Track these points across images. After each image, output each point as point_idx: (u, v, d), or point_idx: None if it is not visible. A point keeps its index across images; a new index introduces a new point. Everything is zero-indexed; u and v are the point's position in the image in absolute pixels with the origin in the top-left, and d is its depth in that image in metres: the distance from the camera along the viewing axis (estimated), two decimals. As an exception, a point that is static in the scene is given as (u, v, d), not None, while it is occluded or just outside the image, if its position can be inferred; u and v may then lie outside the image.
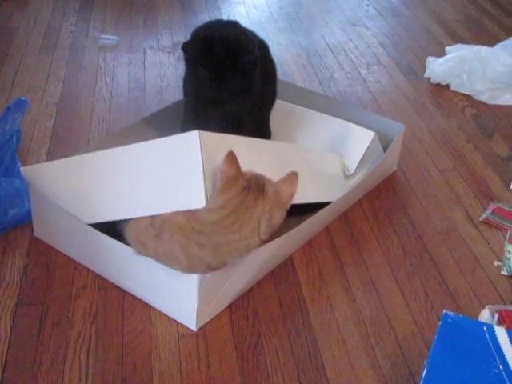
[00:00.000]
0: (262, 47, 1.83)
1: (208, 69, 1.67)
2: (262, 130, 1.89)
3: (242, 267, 1.44)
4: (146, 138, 1.83)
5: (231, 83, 1.68)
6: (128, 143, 1.77)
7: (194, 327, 1.44)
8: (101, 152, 1.52)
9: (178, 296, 1.43)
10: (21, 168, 1.62)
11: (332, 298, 1.55)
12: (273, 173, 1.48)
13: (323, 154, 1.82)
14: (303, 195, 1.59)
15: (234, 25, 1.77)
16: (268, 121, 1.92)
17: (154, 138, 1.83)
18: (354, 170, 1.83)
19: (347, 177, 1.82)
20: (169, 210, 1.37)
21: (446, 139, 2.18)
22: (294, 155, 1.69)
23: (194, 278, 1.35)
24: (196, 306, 1.39)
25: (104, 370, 1.35)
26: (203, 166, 1.35)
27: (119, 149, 1.50)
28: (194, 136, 1.37)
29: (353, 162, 1.83)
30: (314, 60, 2.65)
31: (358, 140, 1.86)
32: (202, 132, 1.37)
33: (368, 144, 1.84)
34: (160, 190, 1.42)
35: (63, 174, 1.57)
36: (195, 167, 1.36)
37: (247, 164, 1.44)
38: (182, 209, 1.36)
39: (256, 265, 1.51)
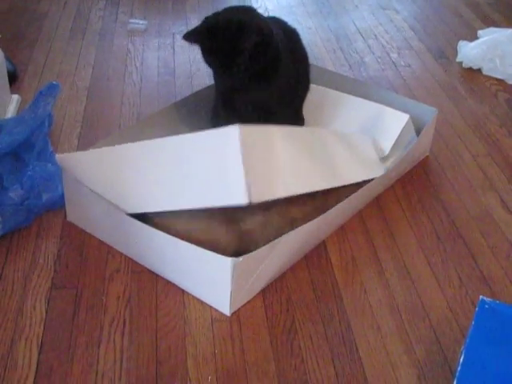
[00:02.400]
0: (291, 35, 1.82)
1: (211, 56, 1.66)
2: (294, 119, 1.88)
3: (274, 252, 1.44)
4: (176, 124, 1.86)
5: (237, 68, 1.64)
6: (159, 129, 1.81)
7: (227, 312, 1.44)
8: (140, 143, 1.52)
9: (212, 280, 1.43)
10: (56, 155, 1.62)
11: (365, 283, 1.54)
12: (311, 159, 1.49)
13: (358, 136, 1.80)
14: (342, 177, 1.61)
15: (243, 11, 1.74)
16: (301, 109, 1.91)
17: (184, 123, 1.86)
18: (387, 153, 1.81)
19: (381, 159, 1.81)
20: (210, 205, 1.38)
21: (478, 124, 2.15)
22: (330, 140, 1.67)
23: (227, 262, 1.35)
24: (230, 290, 1.39)
25: (138, 354, 1.36)
26: (244, 161, 1.34)
27: (158, 140, 1.49)
28: (234, 131, 1.36)
29: (387, 144, 1.82)
30: (344, 44, 2.63)
31: (392, 123, 1.85)
32: (241, 126, 1.36)
33: (402, 126, 1.83)
34: (200, 184, 1.42)
35: (100, 163, 1.57)
36: (236, 163, 1.35)
37: (286, 154, 1.46)
38: (223, 204, 1.37)
39: (289, 249, 1.50)
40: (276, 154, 1.46)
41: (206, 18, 1.68)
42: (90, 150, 1.64)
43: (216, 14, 1.69)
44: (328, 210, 1.55)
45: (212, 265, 1.40)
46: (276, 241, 1.43)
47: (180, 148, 1.47)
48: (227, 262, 1.36)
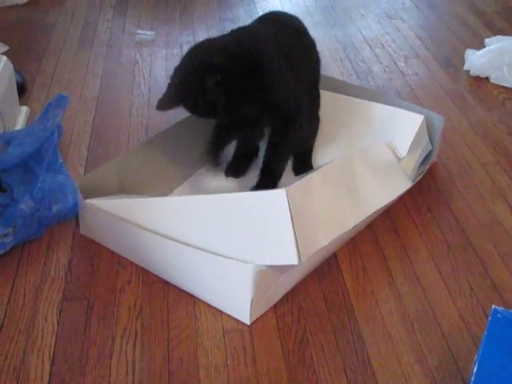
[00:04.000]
0: (290, 29, 1.81)
1: (194, 112, 1.66)
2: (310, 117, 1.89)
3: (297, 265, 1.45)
4: (189, 140, 1.86)
5: (221, 110, 1.61)
6: (171, 145, 1.82)
7: (247, 321, 1.44)
8: (182, 198, 1.59)
9: (232, 289, 1.44)
10: (86, 201, 1.61)
11: (376, 292, 1.54)
12: (345, 197, 1.57)
13: (375, 147, 1.81)
14: (373, 205, 1.64)
15: (200, 53, 1.66)
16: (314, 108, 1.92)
17: (197, 140, 1.85)
18: (405, 154, 1.82)
19: (399, 160, 1.81)
20: (261, 263, 1.39)
21: (486, 132, 2.15)
22: (358, 168, 1.66)
23: (249, 269, 1.37)
24: (251, 298, 1.40)
25: (150, 365, 1.36)
26: (292, 224, 1.36)
27: (203, 197, 1.54)
28: (281, 194, 1.38)
29: (403, 146, 1.82)
30: (351, 53, 2.64)
31: (407, 124, 1.85)
32: (288, 189, 1.38)
33: (418, 127, 1.84)
34: (247, 244, 1.43)
35: (136, 214, 1.56)
36: (285, 226, 1.37)
37: (325, 199, 1.51)
38: (275, 263, 1.40)
39: (308, 263, 1.51)
40: (316, 202, 1.48)
41: (171, 75, 1.67)
42: (124, 199, 1.64)
43: (177, 67, 1.67)
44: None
45: (233, 272, 1.41)
46: None
47: (226, 207, 1.48)
48: (250, 268, 1.37)
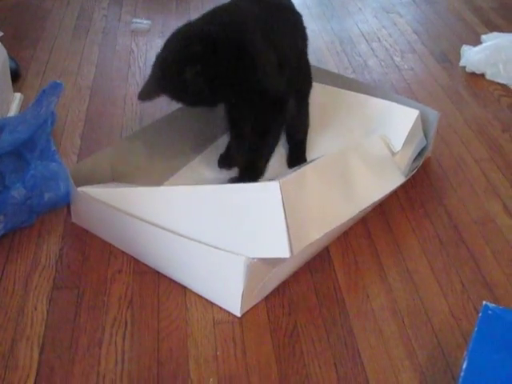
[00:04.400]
0: (274, 9, 1.76)
1: (179, 100, 1.64)
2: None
3: (287, 260, 1.45)
4: (182, 129, 1.85)
5: (203, 94, 1.59)
6: (166, 135, 1.80)
7: (238, 313, 1.44)
8: (174, 188, 1.57)
9: (224, 280, 1.44)
10: (79, 189, 1.60)
11: (368, 287, 1.54)
12: (339, 190, 1.56)
13: (369, 141, 1.80)
14: (367, 199, 1.64)
15: (181, 37, 1.62)
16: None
17: (191, 129, 1.85)
18: (400, 148, 1.81)
19: (393, 154, 1.81)
20: (252, 256, 1.38)
21: (481, 128, 2.15)
22: (352, 162, 1.66)
23: (240, 261, 1.36)
24: (242, 290, 1.39)
25: (140, 355, 1.35)
26: (286, 216, 1.36)
27: (196, 188, 1.52)
28: (274, 187, 1.37)
29: (397, 140, 1.82)
30: (348, 47, 2.63)
31: (402, 119, 1.85)
32: (281, 181, 1.37)
33: (413, 122, 1.83)
34: (239, 235, 1.42)
35: (128, 202, 1.55)
36: (277, 219, 1.37)
37: (318, 193, 1.51)
38: (266, 256, 1.39)
39: (300, 256, 1.51)
40: (309, 195, 1.48)
41: (153, 63, 1.64)
42: (118, 188, 1.63)
43: (159, 54, 1.63)
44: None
45: (224, 264, 1.41)
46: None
47: (218, 198, 1.47)
48: (241, 260, 1.36)
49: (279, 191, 1.36)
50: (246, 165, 1.71)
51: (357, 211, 1.59)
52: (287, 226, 1.35)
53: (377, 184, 1.69)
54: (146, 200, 1.54)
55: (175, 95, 1.60)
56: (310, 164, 1.57)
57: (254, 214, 1.41)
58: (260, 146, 1.71)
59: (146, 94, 1.64)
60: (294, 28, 1.81)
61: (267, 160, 1.73)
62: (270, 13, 1.73)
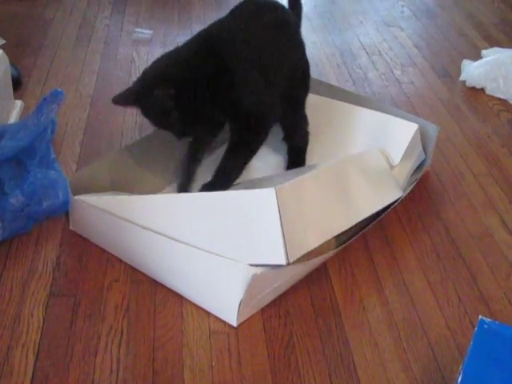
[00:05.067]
0: (271, 27, 1.75)
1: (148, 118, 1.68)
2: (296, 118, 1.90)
3: (291, 273, 1.46)
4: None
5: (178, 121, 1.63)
6: (165, 143, 1.81)
7: (234, 322, 1.44)
8: (171, 196, 1.59)
9: (221, 289, 1.44)
10: (76, 197, 1.61)
11: (364, 299, 1.54)
12: (336, 201, 1.56)
13: (369, 153, 1.81)
14: (364, 211, 1.63)
15: (162, 61, 1.68)
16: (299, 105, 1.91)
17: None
18: (398, 162, 1.82)
19: (392, 168, 1.81)
20: (250, 262, 1.38)
21: (480, 143, 2.16)
22: (350, 173, 1.66)
23: (241, 269, 1.37)
24: (240, 300, 1.39)
25: (135, 364, 1.35)
26: (281, 224, 1.36)
27: (192, 195, 1.56)
28: (270, 194, 1.38)
29: (396, 154, 1.82)
30: (348, 60, 2.64)
31: (401, 132, 1.85)
32: (277, 188, 1.38)
33: (412, 136, 1.84)
34: (235, 242, 1.43)
35: (124, 210, 1.56)
36: (273, 225, 1.37)
37: (316, 201, 1.51)
38: (263, 263, 1.39)
39: (300, 273, 1.53)
40: (307, 204, 1.48)
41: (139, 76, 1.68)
42: (116, 196, 1.64)
43: (144, 71, 1.68)
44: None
45: (224, 271, 1.41)
46: (297, 265, 1.43)
47: (213, 205, 1.48)
48: (242, 267, 1.37)
49: (275, 198, 1.37)
50: (219, 172, 1.70)
51: (354, 222, 1.59)
52: (283, 233, 1.36)
53: (374, 196, 1.69)
54: (143, 208, 1.54)
55: (144, 111, 1.64)
56: (309, 172, 1.57)
57: (251, 221, 1.42)
58: (234, 160, 1.71)
59: (120, 100, 1.67)
60: (288, 44, 1.80)
61: (238, 174, 1.72)
62: (263, 30, 1.73)
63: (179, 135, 1.67)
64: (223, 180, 1.68)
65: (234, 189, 1.67)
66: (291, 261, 1.37)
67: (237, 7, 1.80)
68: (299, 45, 1.85)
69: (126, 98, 1.66)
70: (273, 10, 1.80)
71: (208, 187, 1.66)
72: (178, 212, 1.50)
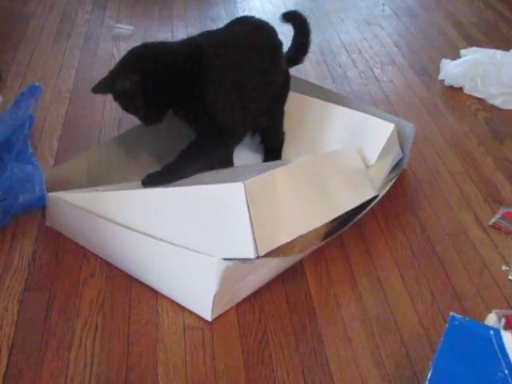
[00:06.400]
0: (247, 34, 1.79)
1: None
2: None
3: (262, 269, 1.46)
4: (157, 138, 1.86)
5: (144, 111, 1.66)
6: (141, 142, 1.81)
7: (208, 317, 1.44)
8: (142, 191, 1.55)
9: (195, 282, 1.44)
10: (50, 194, 1.61)
11: (339, 296, 1.55)
12: (310, 197, 1.57)
13: (345, 151, 1.82)
14: (339, 208, 1.64)
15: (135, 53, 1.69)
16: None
17: (166, 138, 1.85)
18: (374, 162, 1.83)
19: (368, 168, 1.82)
20: (220, 256, 1.39)
21: (457, 142, 2.17)
22: (325, 170, 1.68)
23: (214, 263, 1.37)
24: (214, 293, 1.40)
25: (109, 359, 1.36)
26: (250, 217, 1.37)
27: (161, 190, 1.53)
28: (239, 188, 1.39)
29: (372, 153, 1.83)
30: (328, 58, 2.65)
31: (378, 132, 1.86)
32: (246, 182, 1.39)
33: (388, 136, 1.85)
34: (205, 236, 1.44)
35: (96, 207, 1.57)
36: (242, 219, 1.38)
37: (288, 196, 1.50)
38: (232, 256, 1.39)
39: (279, 268, 1.54)
40: (279, 198, 1.48)
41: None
42: (88, 192, 1.63)
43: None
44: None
45: (197, 266, 1.42)
46: (270, 259, 1.44)
47: (184, 200, 1.49)
48: (215, 261, 1.37)
49: (243, 192, 1.37)
50: (170, 165, 1.66)
51: (332, 217, 1.60)
52: (252, 227, 1.37)
53: (349, 194, 1.69)
54: (117, 203, 1.55)
55: (115, 97, 1.66)
56: (281, 167, 1.58)
57: (220, 215, 1.43)
58: (192, 157, 1.68)
59: (97, 88, 1.69)
60: (271, 68, 1.81)
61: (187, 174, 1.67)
62: (249, 50, 1.76)
63: (144, 121, 1.69)
64: (166, 178, 1.64)
65: (209, 178, 1.67)
66: (261, 254, 1.38)
67: (231, 23, 1.87)
68: (283, 70, 1.87)
69: (102, 86, 1.68)
70: (264, 32, 1.83)
71: (153, 177, 1.62)
72: (151, 206, 1.51)
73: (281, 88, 1.86)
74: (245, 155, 1.92)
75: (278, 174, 1.52)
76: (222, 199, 1.43)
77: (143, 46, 1.68)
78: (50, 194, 1.60)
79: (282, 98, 1.89)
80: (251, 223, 1.37)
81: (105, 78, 1.67)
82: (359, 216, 1.70)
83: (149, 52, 1.66)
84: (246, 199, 1.37)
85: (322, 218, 1.58)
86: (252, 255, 1.37)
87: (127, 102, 1.64)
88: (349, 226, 1.68)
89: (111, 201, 1.56)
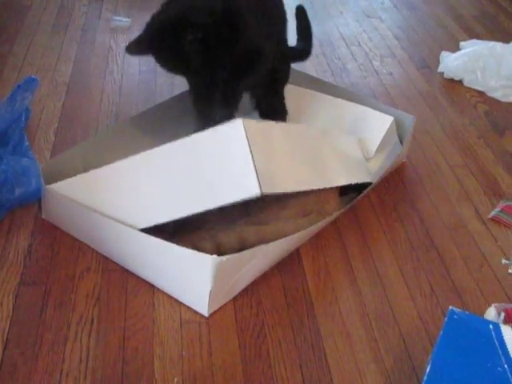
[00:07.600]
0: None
1: (167, 64, 1.67)
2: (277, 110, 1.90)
3: (257, 258, 1.45)
4: (155, 127, 1.85)
5: (199, 70, 1.62)
6: (138, 131, 1.80)
7: (205, 312, 1.43)
8: (138, 156, 1.52)
9: (191, 279, 1.43)
10: (47, 187, 1.59)
11: (337, 290, 1.53)
12: (305, 159, 1.55)
13: (346, 138, 1.82)
14: (332, 180, 1.63)
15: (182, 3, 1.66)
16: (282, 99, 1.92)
17: (164, 127, 1.84)
18: (373, 154, 1.82)
19: (367, 160, 1.82)
20: (222, 203, 1.37)
21: (457, 134, 2.16)
22: (322, 141, 1.67)
23: (208, 260, 1.35)
24: (209, 289, 1.38)
25: (105, 353, 1.34)
26: (251, 151, 1.34)
27: (159, 149, 1.49)
28: (238, 124, 1.37)
29: (371, 146, 1.83)
30: (327, 50, 2.63)
31: (376, 125, 1.86)
32: (244, 119, 1.37)
33: (387, 128, 1.84)
34: (209, 184, 1.41)
35: (97, 182, 1.56)
36: (244, 155, 1.35)
37: (285, 150, 1.49)
38: (236, 199, 1.37)
39: (271, 257, 1.52)
40: (276, 149, 1.46)
41: (149, 22, 1.64)
42: (83, 174, 1.61)
43: (157, 15, 1.64)
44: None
45: (192, 263, 1.40)
46: (261, 247, 1.43)
47: (182, 152, 1.46)
48: (209, 259, 1.35)
49: (242, 127, 1.35)
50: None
51: (325, 186, 1.59)
52: (254, 162, 1.34)
53: (344, 171, 1.69)
54: (111, 176, 1.54)
55: (164, 58, 1.61)
56: (282, 123, 1.54)
57: (222, 159, 1.40)
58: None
59: (135, 50, 1.65)
60: (276, 9, 1.85)
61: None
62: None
63: (199, 83, 1.66)
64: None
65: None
66: (265, 191, 1.34)
67: None
68: (284, 18, 1.91)
69: (141, 49, 1.63)
70: None
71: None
72: (151, 167, 1.49)
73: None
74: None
75: (276, 126, 1.50)
76: (221, 141, 1.40)
77: (176, 2, 1.63)
78: (48, 187, 1.59)
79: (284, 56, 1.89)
80: (253, 159, 1.34)
81: (140, 37, 1.61)
82: (353, 202, 1.70)
83: (188, 6, 1.60)
84: (246, 135, 1.35)
85: (313, 182, 1.56)
86: (257, 191, 1.33)
87: (184, 63, 1.59)
88: (342, 211, 1.67)
89: (108, 174, 1.54)
